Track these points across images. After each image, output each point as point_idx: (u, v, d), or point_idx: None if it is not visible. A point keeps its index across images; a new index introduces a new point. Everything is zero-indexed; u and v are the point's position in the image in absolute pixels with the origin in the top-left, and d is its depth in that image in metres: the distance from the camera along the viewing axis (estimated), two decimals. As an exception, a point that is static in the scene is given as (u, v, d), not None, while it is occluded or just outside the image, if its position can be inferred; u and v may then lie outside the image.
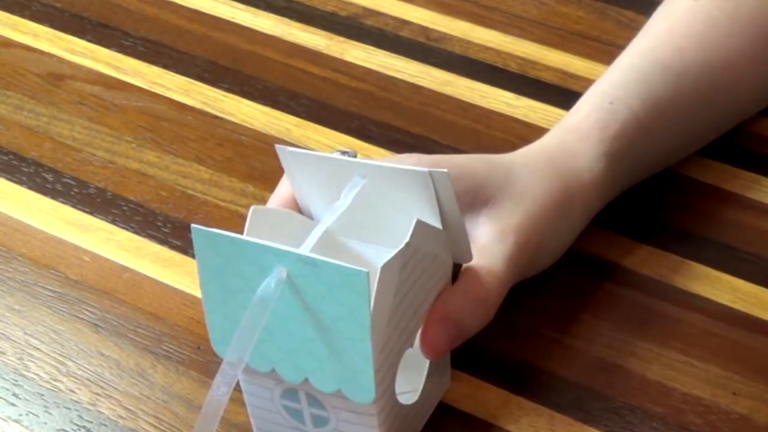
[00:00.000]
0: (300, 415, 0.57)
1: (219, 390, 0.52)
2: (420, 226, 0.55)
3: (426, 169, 0.57)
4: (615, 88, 0.71)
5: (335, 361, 0.54)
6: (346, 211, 0.58)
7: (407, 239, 0.54)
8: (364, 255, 0.60)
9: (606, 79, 0.72)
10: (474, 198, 0.63)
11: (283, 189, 0.63)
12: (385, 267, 0.53)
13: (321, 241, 0.56)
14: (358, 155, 0.64)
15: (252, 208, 0.58)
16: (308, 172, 0.60)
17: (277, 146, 0.60)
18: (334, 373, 0.54)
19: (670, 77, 0.72)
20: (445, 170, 0.57)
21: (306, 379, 0.55)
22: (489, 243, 0.62)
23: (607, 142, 0.69)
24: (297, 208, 0.62)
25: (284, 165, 0.61)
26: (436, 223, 0.58)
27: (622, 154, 0.69)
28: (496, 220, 0.63)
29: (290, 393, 0.56)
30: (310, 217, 0.62)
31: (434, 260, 0.58)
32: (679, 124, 0.72)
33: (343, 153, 0.62)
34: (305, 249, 0.56)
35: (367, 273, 0.51)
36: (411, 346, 0.58)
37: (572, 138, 0.69)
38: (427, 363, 0.59)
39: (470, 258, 0.61)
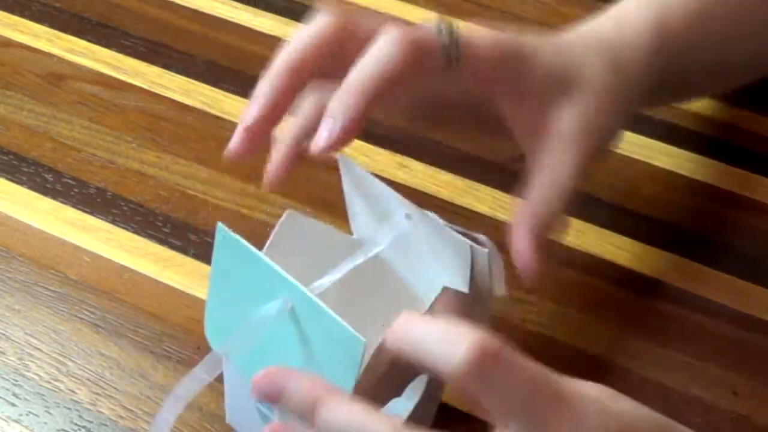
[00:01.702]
0: (270, 422, 0.57)
1: (199, 375, 0.52)
2: (445, 294, 0.55)
3: (468, 243, 0.56)
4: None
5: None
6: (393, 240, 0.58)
7: (426, 307, 0.54)
8: (399, 290, 0.60)
9: None
10: (546, 86, 0.62)
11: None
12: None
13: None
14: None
15: (287, 212, 0.57)
16: (361, 188, 0.60)
17: (339, 156, 0.59)
18: None
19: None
20: (486, 251, 0.56)
21: None
22: (565, 141, 0.61)
23: (666, 39, 0.66)
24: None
25: (342, 171, 0.60)
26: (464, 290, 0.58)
27: (683, 53, 0.67)
28: (570, 119, 0.62)
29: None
30: (350, 220, 0.62)
31: None
32: (728, 37, 0.70)
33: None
34: (337, 273, 0.56)
35: (364, 342, 0.50)
36: None
37: (632, 29, 0.66)
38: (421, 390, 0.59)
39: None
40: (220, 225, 0.54)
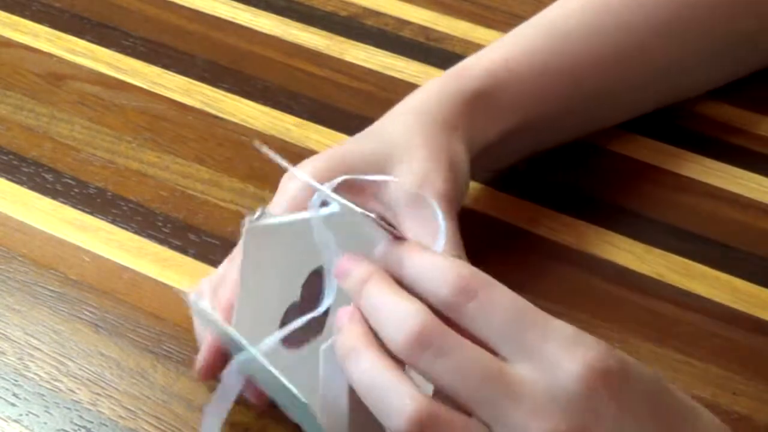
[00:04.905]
0: None
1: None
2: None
3: (372, 215, 0.54)
4: (489, 48, 0.72)
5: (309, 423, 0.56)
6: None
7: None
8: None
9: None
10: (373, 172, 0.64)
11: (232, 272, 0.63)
12: (326, 349, 0.54)
13: None
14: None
15: (247, 226, 0.57)
16: (271, 245, 0.59)
17: (245, 219, 0.58)
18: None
19: (555, 34, 0.72)
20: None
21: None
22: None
23: (467, 80, 0.69)
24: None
25: (244, 245, 0.59)
26: None
27: (491, 94, 0.69)
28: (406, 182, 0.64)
29: None
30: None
31: None
32: (564, 83, 0.72)
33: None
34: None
35: (307, 405, 0.53)
36: None
37: (432, 85, 0.69)
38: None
39: None
40: (191, 296, 0.58)
